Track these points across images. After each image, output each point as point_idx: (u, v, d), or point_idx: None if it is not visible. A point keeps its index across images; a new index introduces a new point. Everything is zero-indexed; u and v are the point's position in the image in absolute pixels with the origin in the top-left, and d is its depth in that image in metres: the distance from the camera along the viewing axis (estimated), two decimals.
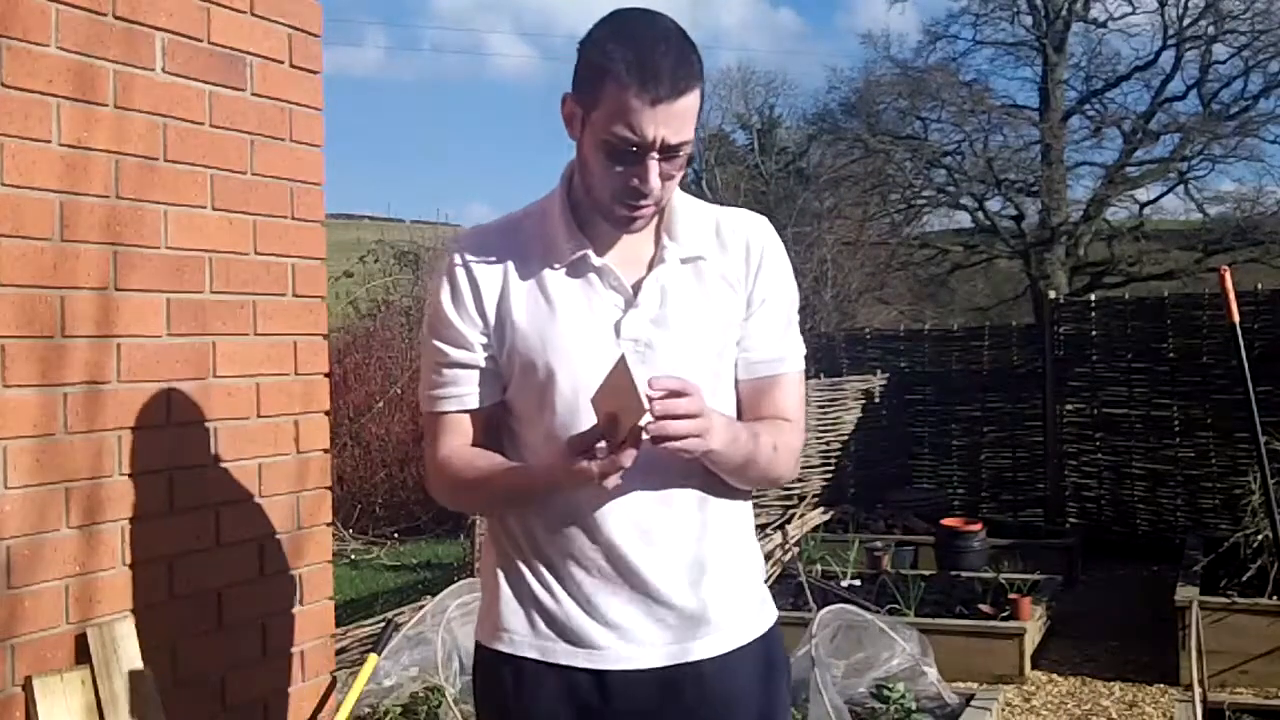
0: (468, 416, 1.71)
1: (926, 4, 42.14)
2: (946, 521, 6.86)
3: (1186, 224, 20.01)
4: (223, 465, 2.62)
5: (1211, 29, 19.02)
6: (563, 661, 1.65)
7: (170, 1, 2.51)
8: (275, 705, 2.74)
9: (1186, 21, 19.20)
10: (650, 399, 1.46)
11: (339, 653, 3.42)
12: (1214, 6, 18.77)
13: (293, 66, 2.83)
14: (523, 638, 1.68)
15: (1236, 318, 4.25)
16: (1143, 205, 20.12)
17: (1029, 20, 20.24)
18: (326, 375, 2.95)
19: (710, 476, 1.67)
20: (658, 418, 1.47)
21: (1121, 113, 19.85)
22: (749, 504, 1.80)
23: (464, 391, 1.70)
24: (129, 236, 2.41)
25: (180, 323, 2.53)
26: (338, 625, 3.16)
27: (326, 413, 2.94)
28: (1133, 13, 19.67)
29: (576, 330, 1.65)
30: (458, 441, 1.71)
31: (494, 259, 1.70)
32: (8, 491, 2.17)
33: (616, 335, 1.65)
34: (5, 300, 2.18)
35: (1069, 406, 8.06)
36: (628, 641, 1.65)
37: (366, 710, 3.66)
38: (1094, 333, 7.98)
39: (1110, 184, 19.48)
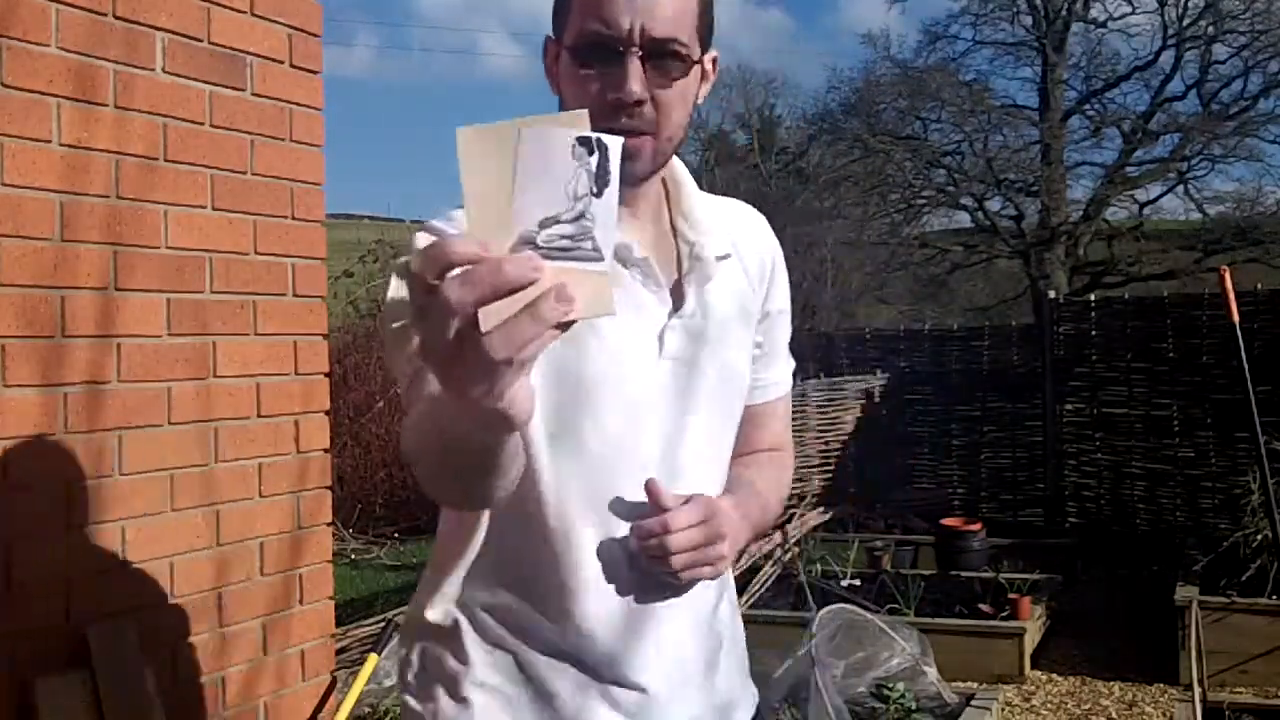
0: None
1: (924, 4, 42.16)
2: (946, 521, 6.86)
3: (1186, 224, 20.00)
4: (223, 465, 2.62)
5: (1211, 29, 19.01)
6: None
7: (170, 1, 2.51)
8: (275, 705, 2.74)
9: (1186, 21, 19.20)
10: (667, 530, 1.21)
11: (339, 653, 3.42)
12: (1214, 6, 18.76)
13: (293, 66, 2.83)
14: None
15: (1236, 318, 4.26)
16: (1142, 205, 20.13)
17: (1029, 20, 20.24)
18: (326, 375, 2.95)
19: None
20: (678, 563, 1.23)
21: (1121, 113, 19.85)
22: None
23: None
24: (129, 236, 2.41)
25: (180, 323, 2.53)
26: (338, 625, 3.16)
27: (326, 413, 2.94)
28: (1132, 13, 19.70)
29: (618, 345, 1.29)
30: None
31: None
32: (7, 491, 2.17)
33: (660, 350, 1.32)
34: (5, 300, 2.18)
35: (1069, 406, 8.06)
36: None
37: (366, 710, 3.66)
38: (1094, 333, 7.98)
39: (1110, 184, 19.48)
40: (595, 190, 0.80)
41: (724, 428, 1.40)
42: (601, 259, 0.80)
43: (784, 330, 1.51)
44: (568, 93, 1.28)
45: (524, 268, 0.78)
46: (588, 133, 0.80)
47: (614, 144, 0.80)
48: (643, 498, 1.26)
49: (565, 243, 0.80)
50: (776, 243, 1.49)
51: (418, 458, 1.13)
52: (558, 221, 0.80)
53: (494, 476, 1.08)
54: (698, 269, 1.35)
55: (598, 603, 1.29)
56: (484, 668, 1.32)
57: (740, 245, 1.43)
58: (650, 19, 1.23)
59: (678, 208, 1.39)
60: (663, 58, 1.25)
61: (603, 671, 1.31)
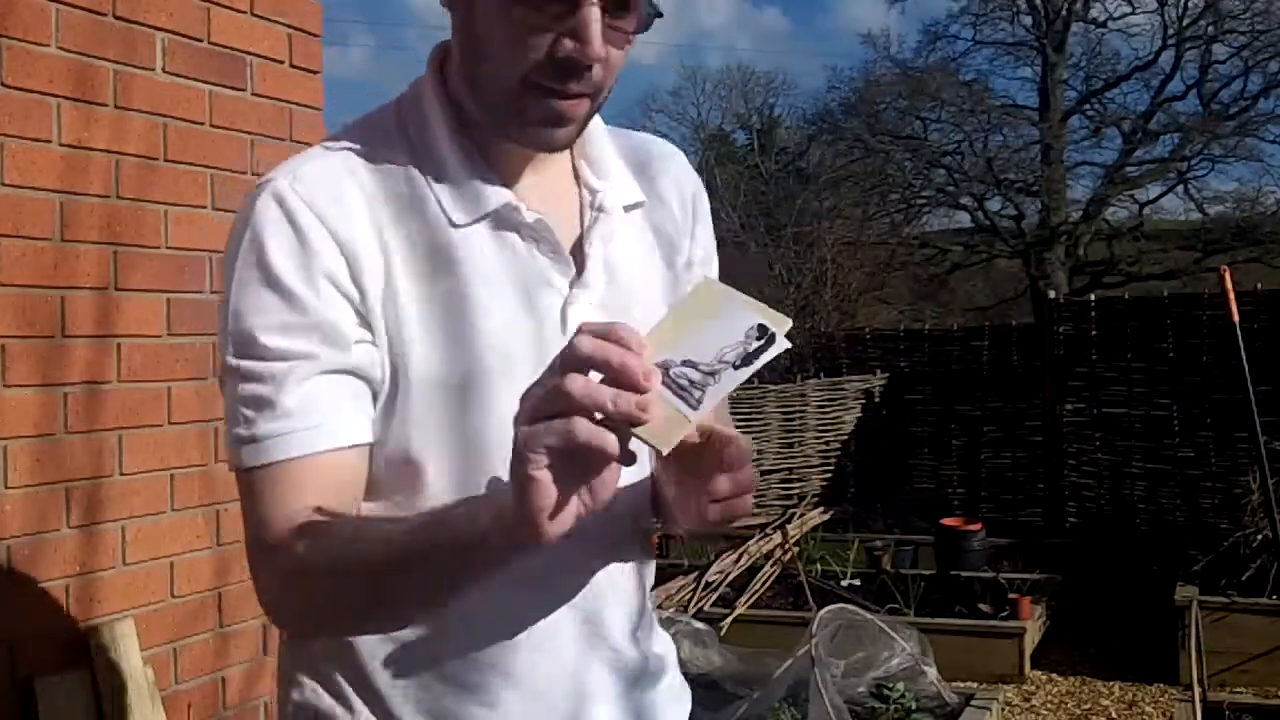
0: (341, 458, 1.01)
1: (923, 4, 42.09)
2: (946, 521, 6.86)
3: (1186, 224, 20.01)
4: (223, 465, 2.62)
5: (1211, 29, 19.03)
6: None
7: (170, 1, 2.51)
8: (275, 705, 2.74)
9: (1186, 21, 19.22)
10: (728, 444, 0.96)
11: None
12: (1214, 6, 18.78)
13: (293, 66, 2.83)
14: None
15: (1236, 318, 4.26)
16: (1142, 205, 20.15)
17: (1029, 20, 20.27)
18: None
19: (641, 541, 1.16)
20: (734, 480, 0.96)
21: (1121, 113, 19.87)
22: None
23: (331, 419, 1.01)
24: (129, 236, 2.41)
25: (180, 323, 2.53)
26: None
27: None
28: (1133, 13, 19.71)
29: (508, 328, 1.04)
30: (310, 502, 1.00)
31: (353, 206, 1.03)
32: (8, 491, 2.17)
33: (562, 328, 1.06)
34: (5, 300, 2.18)
35: (1069, 406, 8.05)
36: None
37: None
38: (1094, 333, 7.97)
39: (1110, 184, 19.50)
40: (736, 364, 0.83)
41: None
42: (695, 409, 0.82)
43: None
44: (491, 33, 1.00)
45: (639, 373, 0.80)
46: (769, 326, 0.84)
47: (781, 346, 0.84)
48: None
49: (684, 383, 0.83)
50: (697, 178, 1.25)
51: (344, 611, 1.00)
52: (694, 367, 0.83)
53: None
54: (601, 224, 1.11)
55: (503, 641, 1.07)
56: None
57: (657, 189, 1.19)
58: None
59: (580, 150, 1.13)
60: (624, 8, 1.00)
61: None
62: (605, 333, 0.80)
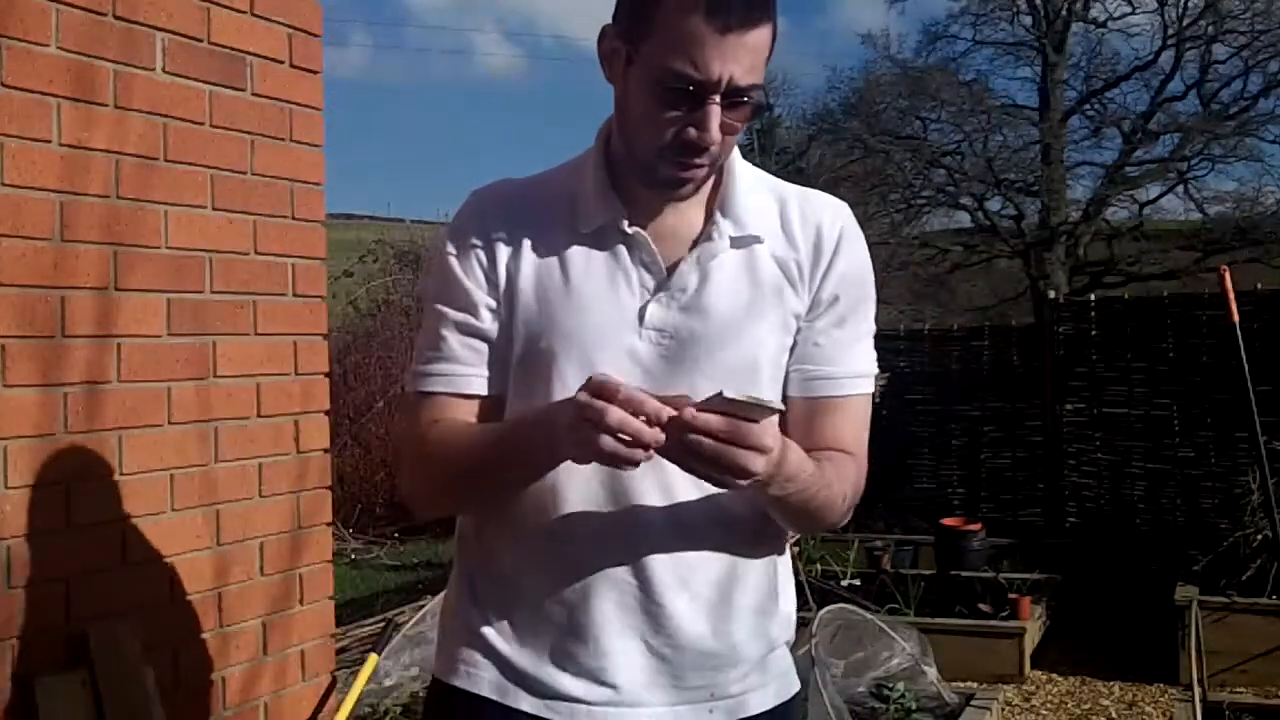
0: (465, 403, 1.41)
1: (923, 4, 42.01)
2: (946, 521, 6.86)
3: (1186, 224, 19.97)
4: (223, 465, 2.62)
5: (1211, 29, 18.99)
6: (526, 709, 1.39)
7: (170, 1, 2.51)
8: (275, 705, 2.74)
9: (1186, 21, 19.18)
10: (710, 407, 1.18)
11: (339, 653, 3.42)
12: (1214, 6, 18.75)
13: (293, 66, 2.83)
14: (482, 672, 1.41)
15: (1236, 318, 4.27)
16: (1142, 205, 20.10)
17: (1029, 20, 20.22)
18: (326, 375, 2.95)
19: (741, 515, 1.41)
20: (716, 436, 1.16)
21: (1121, 113, 19.83)
22: (785, 554, 1.54)
23: (464, 371, 1.41)
24: (129, 236, 2.41)
25: (180, 323, 2.53)
26: (338, 625, 3.16)
27: (326, 413, 2.94)
28: (1133, 13, 19.63)
29: (591, 311, 1.37)
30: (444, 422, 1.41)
31: (514, 216, 1.42)
32: (8, 491, 2.17)
33: (640, 323, 1.37)
34: (5, 300, 2.18)
35: (1069, 406, 8.04)
36: (626, 703, 1.39)
37: (366, 710, 3.66)
38: (1094, 333, 7.97)
39: (1110, 184, 19.46)
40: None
41: None
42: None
43: (843, 321, 1.44)
44: (638, 111, 1.33)
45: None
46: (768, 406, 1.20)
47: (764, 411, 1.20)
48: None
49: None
50: (848, 229, 1.48)
51: (452, 494, 1.42)
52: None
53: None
54: (703, 247, 1.39)
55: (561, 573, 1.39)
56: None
57: (793, 232, 1.43)
58: (738, 67, 1.28)
59: (720, 197, 1.41)
60: (741, 104, 1.31)
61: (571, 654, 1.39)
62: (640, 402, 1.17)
